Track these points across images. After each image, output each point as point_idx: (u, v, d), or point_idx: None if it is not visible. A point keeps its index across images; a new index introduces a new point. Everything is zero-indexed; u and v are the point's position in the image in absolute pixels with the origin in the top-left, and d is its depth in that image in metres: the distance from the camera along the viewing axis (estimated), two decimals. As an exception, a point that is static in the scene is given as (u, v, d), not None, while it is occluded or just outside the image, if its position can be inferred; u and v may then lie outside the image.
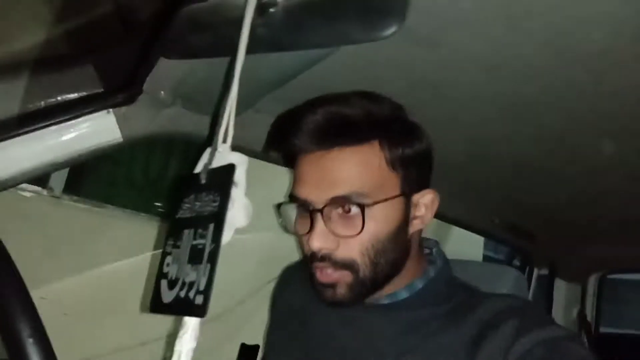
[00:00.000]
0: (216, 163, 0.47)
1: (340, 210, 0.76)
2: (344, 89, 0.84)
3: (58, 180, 1.55)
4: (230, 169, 0.44)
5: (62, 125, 0.95)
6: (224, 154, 0.46)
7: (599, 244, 1.57)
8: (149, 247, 1.48)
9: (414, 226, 0.81)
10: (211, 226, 0.43)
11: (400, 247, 0.80)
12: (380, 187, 0.76)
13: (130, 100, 0.96)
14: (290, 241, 1.12)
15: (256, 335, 1.25)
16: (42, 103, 0.94)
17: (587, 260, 1.75)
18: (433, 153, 0.84)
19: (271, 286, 1.11)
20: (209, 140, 0.48)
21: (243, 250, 1.25)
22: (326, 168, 0.76)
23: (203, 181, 0.46)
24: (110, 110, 0.96)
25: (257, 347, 1.20)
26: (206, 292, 0.40)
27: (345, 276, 0.78)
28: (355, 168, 0.75)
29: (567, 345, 0.70)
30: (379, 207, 0.76)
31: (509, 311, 0.76)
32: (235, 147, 0.53)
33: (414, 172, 0.80)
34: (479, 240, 2.15)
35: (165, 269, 0.46)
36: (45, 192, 1.50)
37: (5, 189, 0.93)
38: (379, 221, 0.76)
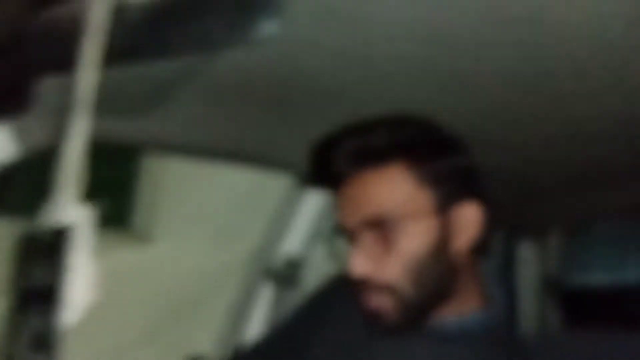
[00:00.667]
0: (58, 217, 0.37)
1: (374, 232, 0.76)
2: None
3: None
4: (66, 231, 0.34)
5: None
6: (65, 207, 0.36)
7: (557, 197, 1.53)
8: None
9: (458, 244, 0.78)
10: (48, 305, 0.34)
11: (442, 268, 0.78)
12: (410, 205, 0.77)
13: (21, 109, 0.85)
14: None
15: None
16: None
17: (547, 216, 1.72)
18: (473, 166, 0.84)
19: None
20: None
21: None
22: (356, 192, 0.78)
23: (44, 243, 0.37)
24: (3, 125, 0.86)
25: (201, 357, 1.13)
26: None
27: (387, 301, 0.77)
28: (382, 189, 0.77)
29: None
30: (412, 225, 0.76)
31: None
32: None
33: (447, 188, 0.79)
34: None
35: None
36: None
37: None
38: (414, 239, 0.76)
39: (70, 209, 0.34)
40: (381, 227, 0.75)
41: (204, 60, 0.74)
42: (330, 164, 0.79)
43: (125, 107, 0.92)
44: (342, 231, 0.80)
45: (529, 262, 1.86)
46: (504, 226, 1.78)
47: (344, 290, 0.89)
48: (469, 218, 0.78)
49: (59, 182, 0.35)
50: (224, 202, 1.52)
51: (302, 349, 0.90)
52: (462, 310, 0.80)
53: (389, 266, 0.76)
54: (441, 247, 0.77)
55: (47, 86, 0.85)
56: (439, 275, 0.78)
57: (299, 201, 1.35)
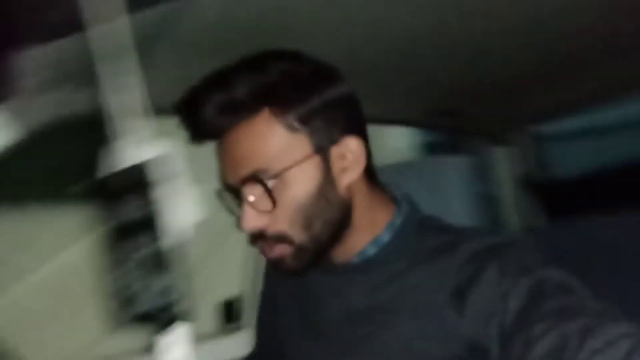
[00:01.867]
0: (135, 156, 0.41)
1: (257, 187, 0.74)
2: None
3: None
4: (152, 164, 0.39)
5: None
6: (141, 145, 0.40)
7: (524, 98, 1.59)
8: (77, 241, 1.41)
9: (346, 178, 0.78)
10: (156, 230, 0.39)
11: (334, 204, 0.77)
12: (285, 153, 0.74)
13: (10, 92, 0.87)
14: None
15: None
16: None
17: (518, 119, 1.79)
18: (349, 96, 0.80)
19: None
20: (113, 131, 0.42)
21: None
22: (230, 149, 0.76)
23: (131, 180, 0.41)
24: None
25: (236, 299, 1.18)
26: (185, 296, 0.37)
27: (284, 249, 0.77)
28: (251, 144, 0.74)
29: (552, 285, 0.67)
30: (289, 174, 0.74)
31: (490, 251, 0.73)
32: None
33: (323, 125, 0.76)
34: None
35: (121, 285, 0.41)
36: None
37: None
38: (295, 186, 0.75)
39: (148, 146, 0.38)
40: (262, 181, 0.73)
41: (174, 16, 0.72)
42: (199, 123, 0.75)
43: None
44: (227, 188, 0.78)
45: (511, 167, 1.93)
46: (478, 132, 1.85)
47: None
48: (352, 152, 0.77)
49: (119, 128, 0.38)
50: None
51: (275, 305, 0.96)
52: (372, 238, 0.81)
53: (277, 217, 0.75)
54: (327, 187, 0.76)
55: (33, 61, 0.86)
56: (330, 214, 0.77)
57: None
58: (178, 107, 0.77)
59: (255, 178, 0.73)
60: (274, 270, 0.88)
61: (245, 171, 0.74)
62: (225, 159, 0.76)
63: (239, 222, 0.77)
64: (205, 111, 0.73)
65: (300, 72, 0.76)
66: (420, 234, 0.81)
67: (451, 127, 1.77)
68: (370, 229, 0.81)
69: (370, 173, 0.81)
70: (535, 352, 0.58)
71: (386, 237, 0.81)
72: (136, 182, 0.38)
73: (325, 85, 0.77)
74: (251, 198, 0.75)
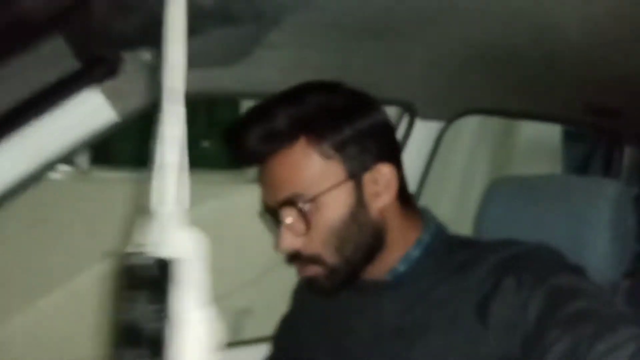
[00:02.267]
0: (163, 244, 0.31)
1: (293, 210, 0.80)
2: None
3: (84, 152, 1.47)
4: (171, 263, 0.29)
5: (47, 117, 0.83)
6: (171, 232, 0.30)
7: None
8: (190, 206, 1.42)
9: (378, 202, 0.82)
10: (152, 350, 0.29)
11: (367, 227, 0.82)
12: (319, 179, 0.80)
13: (113, 71, 0.83)
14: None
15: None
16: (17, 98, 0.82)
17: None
18: (383, 125, 0.86)
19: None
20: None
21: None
22: (269, 174, 0.82)
23: (146, 275, 0.31)
24: (98, 89, 0.84)
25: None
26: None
27: (317, 270, 0.82)
28: (290, 170, 0.80)
29: (565, 291, 0.69)
30: (323, 199, 0.79)
31: (508, 263, 0.75)
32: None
33: (356, 152, 0.81)
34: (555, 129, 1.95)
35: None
36: (72, 170, 1.44)
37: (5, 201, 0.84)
38: (329, 210, 0.80)
39: (177, 235, 0.29)
40: (297, 205, 0.79)
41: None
42: (243, 150, 0.82)
43: (218, 58, 0.88)
44: (267, 210, 0.84)
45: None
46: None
47: None
48: (384, 177, 0.82)
49: (159, 198, 0.29)
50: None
51: (296, 330, 0.99)
52: (402, 255, 0.84)
53: (312, 239, 0.80)
54: (359, 211, 0.81)
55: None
56: (363, 237, 0.81)
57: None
58: (225, 135, 0.85)
59: (292, 202, 0.79)
60: (305, 289, 0.94)
61: (282, 195, 0.80)
62: (265, 183, 0.83)
63: (276, 243, 0.82)
64: (249, 140, 0.80)
65: (336, 103, 0.83)
66: (447, 250, 0.84)
67: (605, 129, 1.56)
68: (401, 247, 0.84)
69: (403, 195, 0.85)
70: (549, 358, 0.61)
71: (416, 253, 0.84)
72: (157, 279, 0.29)
73: (359, 114, 0.82)
74: (288, 220, 0.80)
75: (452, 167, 1.81)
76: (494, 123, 1.85)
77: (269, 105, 0.83)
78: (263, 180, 0.83)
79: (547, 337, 0.63)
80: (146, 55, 0.82)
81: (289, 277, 1.15)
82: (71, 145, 0.87)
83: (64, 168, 1.47)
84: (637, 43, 1.00)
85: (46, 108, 0.82)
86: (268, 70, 0.92)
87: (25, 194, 1.05)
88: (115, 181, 1.52)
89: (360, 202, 0.81)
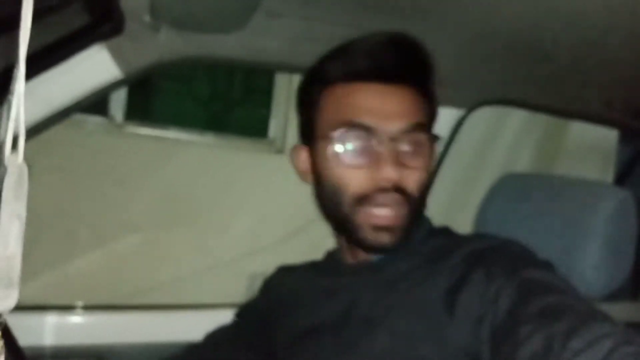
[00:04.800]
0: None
1: (410, 139, 0.76)
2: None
3: (118, 105, 1.51)
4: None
5: (53, 70, 0.87)
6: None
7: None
8: (216, 168, 1.44)
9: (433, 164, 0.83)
10: None
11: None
12: (431, 123, 0.81)
13: (117, 29, 0.86)
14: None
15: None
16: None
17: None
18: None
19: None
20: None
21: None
22: (399, 99, 0.77)
23: None
24: (104, 46, 0.87)
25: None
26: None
27: (403, 212, 0.76)
28: (418, 104, 0.78)
29: (537, 285, 0.66)
30: (429, 143, 0.78)
31: (479, 255, 0.74)
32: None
33: (431, 126, 0.82)
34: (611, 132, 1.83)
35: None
36: (106, 121, 1.49)
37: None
38: (429, 157, 0.78)
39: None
40: (423, 133, 0.77)
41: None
42: (385, 64, 0.76)
43: (217, 23, 0.88)
44: (361, 134, 0.76)
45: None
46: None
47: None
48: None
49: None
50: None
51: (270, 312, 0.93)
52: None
53: (411, 177, 0.76)
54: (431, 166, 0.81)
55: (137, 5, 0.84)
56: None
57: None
58: (358, 40, 0.79)
59: (424, 127, 0.77)
60: (279, 282, 0.93)
61: (415, 120, 0.76)
62: (387, 106, 0.77)
63: (368, 170, 0.75)
64: (411, 57, 0.78)
65: None
66: (426, 237, 0.83)
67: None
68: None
69: None
70: (521, 355, 0.59)
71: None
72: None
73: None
74: (405, 148, 0.76)
75: (476, 157, 1.75)
76: (539, 119, 1.76)
77: (411, 38, 0.80)
78: (384, 100, 0.77)
79: (519, 333, 0.61)
80: (146, 16, 0.84)
81: (304, 246, 1.17)
82: (77, 99, 0.91)
83: (97, 120, 1.53)
84: None
85: (54, 61, 0.86)
86: (273, 39, 0.92)
87: (58, 142, 1.11)
88: (146, 138, 1.56)
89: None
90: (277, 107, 1.67)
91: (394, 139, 0.75)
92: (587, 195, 0.87)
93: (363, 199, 0.75)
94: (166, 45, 0.88)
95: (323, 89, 0.79)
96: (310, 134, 0.81)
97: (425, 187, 0.78)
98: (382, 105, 0.76)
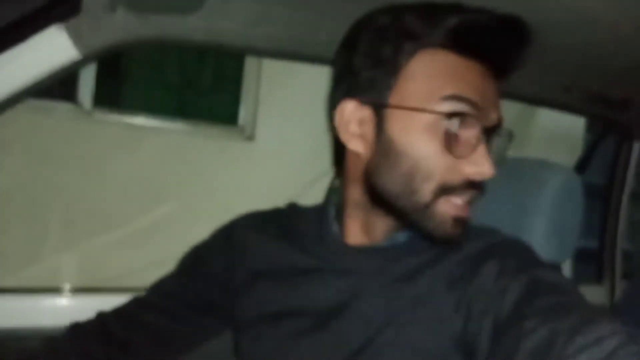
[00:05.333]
0: None
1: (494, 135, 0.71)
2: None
3: (87, 91, 1.52)
4: None
5: (10, 52, 0.87)
6: None
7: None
8: (185, 156, 1.46)
9: None
10: None
11: None
12: None
13: (74, 10, 0.86)
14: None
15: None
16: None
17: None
18: None
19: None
20: None
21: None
22: (495, 88, 0.70)
23: None
24: (62, 27, 0.88)
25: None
26: None
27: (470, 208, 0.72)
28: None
29: (547, 284, 0.64)
30: None
31: (491, 250, 0.70)
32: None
33: None
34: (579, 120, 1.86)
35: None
36: (75, 107, 1.49)
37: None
38: None
39: None
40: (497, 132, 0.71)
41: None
42: (500, 47, 0.69)
43: (172, 4, 0.89)
44: (471, 116, 0.67)
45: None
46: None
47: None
48: None
49: None
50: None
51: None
52: (397, 225, 0.75)
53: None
54: None
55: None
56: None
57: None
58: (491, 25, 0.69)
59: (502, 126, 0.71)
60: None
61: (499, 115, 0.70)
62: (491, 92, 0.70)
63: (474, 162, 0.68)
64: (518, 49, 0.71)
65: None
66: None
67: (612, 120, 1.48)
68: None
69: None
70: (524, 347, 0.58)
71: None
72: None
73: None
74: (485, 144, 0.69)
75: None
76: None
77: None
78: (489, 85, 0.70)
79: (523, 326, 0.59)
80: (102, -5, 0.85)
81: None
82: (36, 80, 0.91)
83: (67, 106, 1.53)
84: None
85: (11, 43, 0.86)
86: (230, 21, 0.93)
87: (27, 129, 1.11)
88: (114, 124, 1.56)
89: None
90: (247, 95, 1.68)
91: (492, 130, 0.69)
92: (535, 174, 0.90)
93: (450, 189, 0.68)
94: (124, 26, 0.89)
95: (418, 50, 0.68)
96: (382, 97, 0.69)
97: None
98: (487, 91, 0.69)
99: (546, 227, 0.85)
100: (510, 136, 0.74)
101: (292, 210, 0.88)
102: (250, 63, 1.65)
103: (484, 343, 0.63)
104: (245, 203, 1.67)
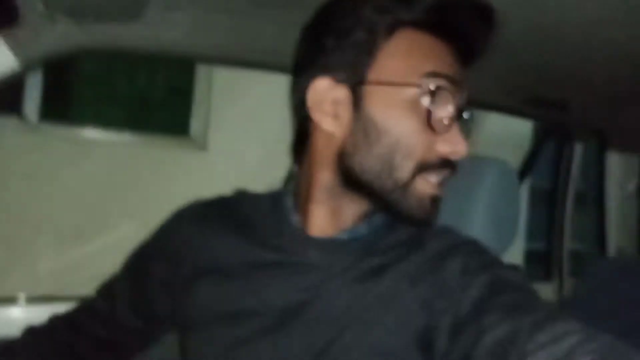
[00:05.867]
0: None
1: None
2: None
3: (33, 105, 1.49)
4: None
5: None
6: None
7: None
8: (132, 169, 1.45)
9: None
10: None
11: None
12: None
13: (13, 19, 0.86)
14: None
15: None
16: None
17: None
18: None
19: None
20: None
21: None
22: (464, 70, 0.70)
23: None
24: (0, 37, 0.87)
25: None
26: None
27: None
28: None
29: (508, 282, 0.65)
30: None
31: (455, 248, 0.70)
32: None
33: None
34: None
35: None
36: (20, 121, 1.47)
37: None
38: None
39: None
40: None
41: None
42: (472, 30, 0.69)
43: (114, 13, 0.89)
44: (454, 92, 0.68)
45: (623, 175, 1.67)
46: (592, 138, 1.60)
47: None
48: None
49: None
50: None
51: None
52: (359, 213, 0.74)
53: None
54: None
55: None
56: None
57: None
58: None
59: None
60: (205, 221, 0.78)
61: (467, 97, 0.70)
62: (463, 79, 0.69)
63: (462, 145, 0.68)
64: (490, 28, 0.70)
65: None
66: (391, 225, 0.75)
67: (553, 122, 1.54)
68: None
69: None
70: (484, 342, 0.58)
71: (378, 220, 0.73)
72: None
73: None
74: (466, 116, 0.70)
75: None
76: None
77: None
78: (463, 76, 0.70)
79: (484, 321, 0.59)
80: (41, 5, 0.85)
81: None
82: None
83: (12, 120, 1.50)
84: (582, 32, 0.99)
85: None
86: (170, 29, 0.93)
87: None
88: (60, 138, 1.54)
89: None
90: (198, 105, 1.69)
91: (462, 111, 0.69)
92: (472, 168, 0.93)
93: (427, 167, 0.67)
94: (64, 35, 0.89)
95: (397, 28, 0.67)
96: (359, 75, 0.67)
97: None
98: (460, 71, 0.69)
99: (484, 218, 0.88)
100: (472, 120, 0.74)
101: (242, 198, 0.82)
102: (201, 73, 1.66)
103: (443, 340, 0.63)
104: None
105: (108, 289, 0.85)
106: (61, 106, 1.62)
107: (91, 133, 1.58)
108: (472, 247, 0.72)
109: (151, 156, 1.61)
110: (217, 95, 1.64)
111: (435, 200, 0.69)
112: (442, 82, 0.66)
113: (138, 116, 1.76)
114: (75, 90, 1.71)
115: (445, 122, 0.66)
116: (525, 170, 1.85)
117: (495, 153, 1.99)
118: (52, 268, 1.44)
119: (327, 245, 0.72)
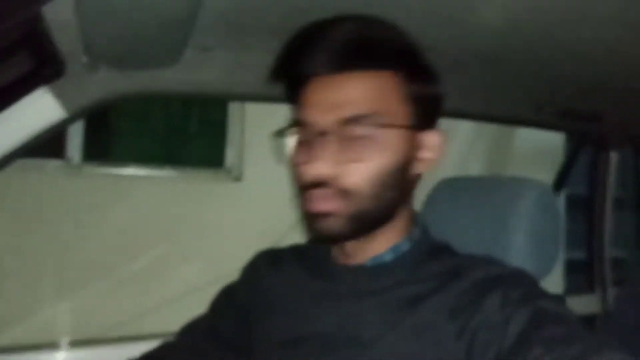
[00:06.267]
0: None
1: (347, 133, 0.72)
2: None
3: (76, 147, 1.55)
4: None
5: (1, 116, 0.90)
6: None
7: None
8: (175, 201, 1.49)
9: (417, 168, 0.78)
10: None
11: (401, 187, 0.76)
12: (389, 115, 0.74)
13: (58, 72, 0.91)
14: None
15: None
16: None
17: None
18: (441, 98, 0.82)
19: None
20: None
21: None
22: (338, 90, 0.74)
23: None
24: (48, 89, 0.92)
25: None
26: None
27: (343, 207, 0.73)
28: (368, 92, 0.74)
29: (551, 314, 0.66)
30: (386, 134, 0.73)
31: (494, 281, 0.72)
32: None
33: (423, 111, 0.77)
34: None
35: None
36: (64, 163, 1.53)
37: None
38: (386, 149, 0.74)
39: None
40: (357, 126, 0.72)
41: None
42: (315, 57, 0.73)
43: (154, 60, 0.94)
44: (301, 130, 0.75)
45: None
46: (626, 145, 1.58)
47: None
48: (435, 144, 0.79)
49: None
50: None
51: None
52: (394, 243, 0.79)
53: (353, 172, 0.72)
54: (406, 166, 0.76)
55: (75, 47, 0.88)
56: (396, 194, 0.75)
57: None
58: (293, 38, 0.77)
59: (360, 122, 0.72)
60: (264, 266, 0.89)
61: (349, 113, 0.72)
62: (326, 98, 0.74)
63: (303, 165, 0.73)
64: (338, 42, 0.73)
65: (424, 57, 0.79)
66: (429, 252, 0.80)
67: (586, 133, 1.53)
68: (394, 233, 0.79)
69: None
70: None
71: (406, 247, 0.79)
72: None
73: (436, 80, 0.80)
74: (331, 144, 0.72)
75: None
76: (487, 126, 1.84)
77: (362, 17, 0.77)
78: (324, 92, 0.74)
79: (528, 355, 0.60)
80: (84, 57, 0.89)
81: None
82: (25, 142, 0.94)
83: (56, 163, 1.56)
84: (615, 43, 0.99)
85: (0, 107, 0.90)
86: (206, 71, 0.97)
87: (18, 188, 1.14)
88: (102, 177, 1.59)
89: (409, 158, 0.76)
90: (233, 137, 1.73)
91: (323, 133, 0.73)
92: (510, 191, 0.93)
93: (304, 192, 0.74)
94: (106, 83, 0.93)
95: (300, 90, 0.77)
96: None
97: (379, 180, 0.73)
98: (322, 99, 0.74)
99: (524, 242, 0.87)
100: (390, 125, 0.75)
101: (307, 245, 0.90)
102: (234, 107, 1.71)
103: None
104: (236, 242, 1.71)
105: (195, 327, 0.95)
106: (102, 145, 1.68)
107: (131, 170, 1.63)
108: (514, 279, 0.73)
109: (189, 189, 1.65)
110: (251, 126, 1.68)
111: (315, 216, 0.73)
112: (297, 127, 0.75)
113: (175, 149, 1.81)
114: (114, 128, 1.77)
115: (299, 155, 0.74)
116: (560, 182, 1.84)
117: (528, 166, 1.99)
118: (100, 304, 1.47)
119: (347, 272, 0.78)
